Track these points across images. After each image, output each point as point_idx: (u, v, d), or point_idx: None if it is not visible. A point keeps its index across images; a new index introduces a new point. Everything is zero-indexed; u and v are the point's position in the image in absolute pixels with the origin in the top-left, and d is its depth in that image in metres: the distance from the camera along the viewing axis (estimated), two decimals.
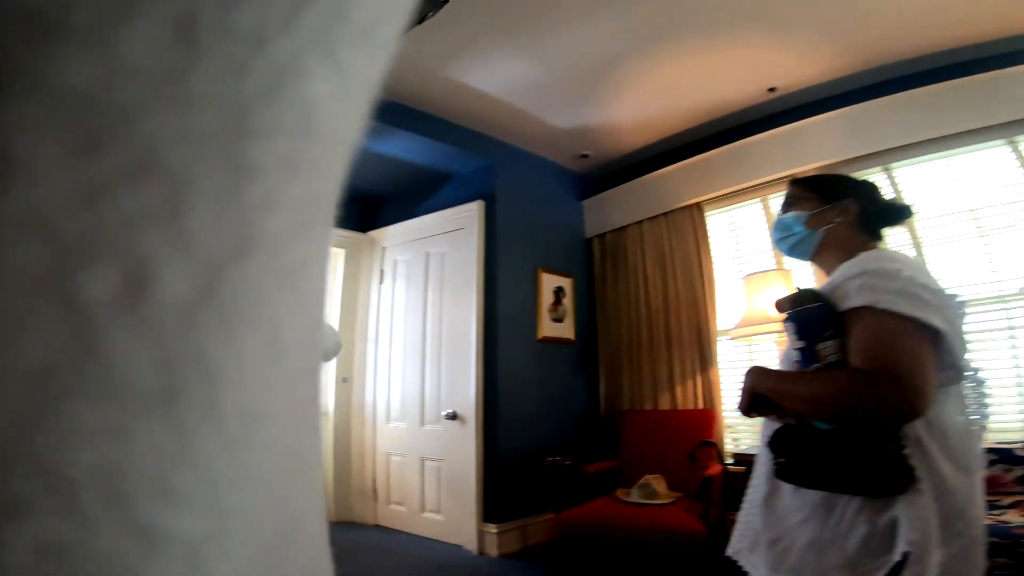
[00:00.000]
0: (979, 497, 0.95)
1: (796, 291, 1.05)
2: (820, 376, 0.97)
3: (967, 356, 0.97)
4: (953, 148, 2.83)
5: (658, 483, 2.72)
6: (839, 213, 1.14)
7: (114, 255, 0.12)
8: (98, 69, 0.11)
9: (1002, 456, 2.25)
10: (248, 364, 0.14)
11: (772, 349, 2.96)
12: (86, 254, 0.11)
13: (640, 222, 3.69)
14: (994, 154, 2.77)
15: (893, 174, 2.99)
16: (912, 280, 0.95)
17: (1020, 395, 2.48)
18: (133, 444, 0.12)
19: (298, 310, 0.16)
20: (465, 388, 3.26)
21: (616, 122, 3.44)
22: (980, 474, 0.97)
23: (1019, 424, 2.44)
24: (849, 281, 0.99)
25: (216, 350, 0.13)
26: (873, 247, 1.09)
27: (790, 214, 1.19)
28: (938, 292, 0.95)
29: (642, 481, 2.73)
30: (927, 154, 2.89)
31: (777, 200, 3.27)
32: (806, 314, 1.01)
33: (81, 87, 0.11)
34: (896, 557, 0.87)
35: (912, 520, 0.88)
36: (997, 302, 2.62)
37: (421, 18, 0.45)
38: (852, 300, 0.96)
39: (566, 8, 2.47)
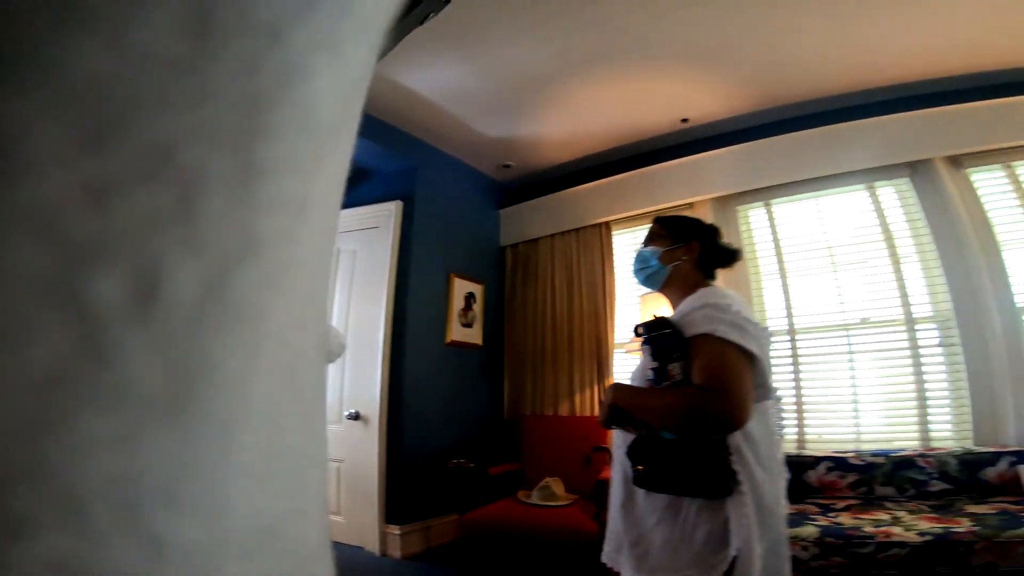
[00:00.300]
0: (783, 498, 1.16)
1: (652, 319, 1.20)
2: (670, 392, 1.12)
3: (772, 378, 1.19)
4: (822, 189, 3.24)
5: (557, 485, 2.91)
6: (686, 252, 1.31)
7: (125, 256, 0.11)
8: (111, 58, 0.11)
9: (837, 464, 2.66)
10: (253, 366, 0.14)
11: None
12: (96, 254, 0.11)
13: (552, 236, 3.85)
14: (854, 197, 3.21)
15: (772, 210, 3.37)
16: (739, 314, 1.14)
17: (855, 411, 2.95)
18: (142, 453, 0.11)
19: (301, 310, 0.15)
20: (369, 388, 3.24)
21: (540, 136, 3.56)
22: (783, 478, 1.18)
23: (853, 436, 2.91)
24: (695, 312, 1.16)
25: (222, 353, 0.13)
26: (709, 284, 1.28)
27: (648, 248, 1.35)
28: (755, 325, 1.15)
29: (542, 483, 2.91)
30: (801, 193, 3.29)
31: None
32: (660, 339, 1.16)
33: (93, 76, 0.11)
34: (733, 552, 1.04)
35: (740, 518, 1.05)
36: (841, 330, 3.08)
37: (423, 19, 0.46)
38: (697, 328, 1.13)
39: (510, 24, 2.54)
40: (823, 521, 2.25)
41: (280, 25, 0.13)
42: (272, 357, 0.14)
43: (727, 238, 3.49)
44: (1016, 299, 2.74)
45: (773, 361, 3.16)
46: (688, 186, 3.46)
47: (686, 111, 3.34)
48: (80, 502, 0.10)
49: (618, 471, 1.24)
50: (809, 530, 2.16)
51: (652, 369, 1.16)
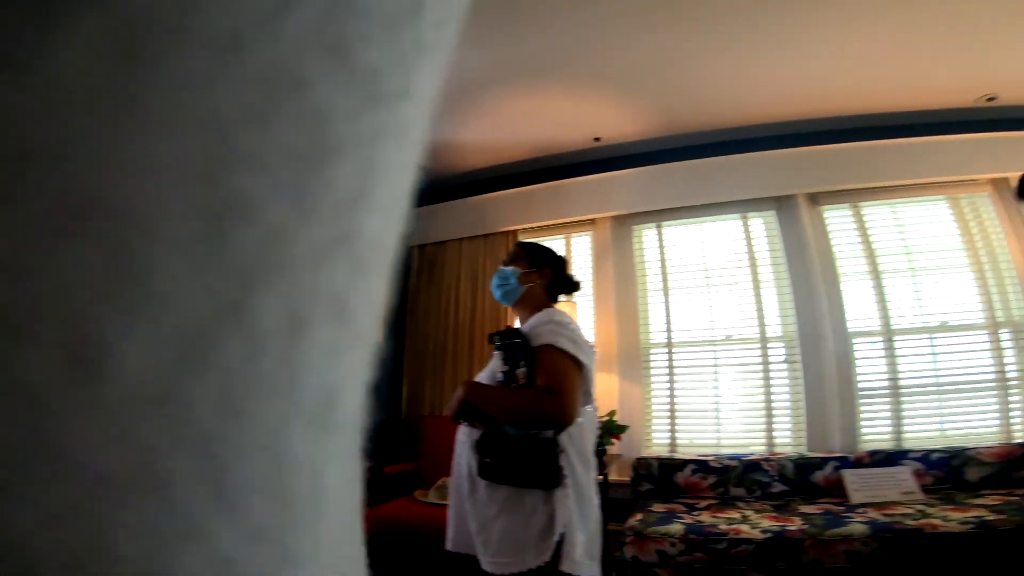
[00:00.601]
0: (595, 492, 1.39)
1: (505, 328, 1.41)
2: (517, 392, 1.31)
3: (593, 387, 1.44)
4: (705, 216, 3.58)
5: None
6: (540, 277, 1.53)
7: (50, 331, 0.09)
8: (19, 97, 0.09)
9: (700, 466, 2.98)
10: (265, 434, 0.12)
11: None
12: (13, 329, 0.09)
13: (461, 239, 3.89)
14: (730, 226, 3.58)
15: (663, 232, 3.66)
16: (576, 331, 1.38)
17: (717, 418, 3.34)
18: (110, 529, 0.10)
19: (328, 367, 0.13)
20: None
21: (459, 141, 3.57)
22: (594, 474, 1.41)
23: (715, 440, 3.28)
24: (542, 326, 1.37)
25: (214, 426, 0.11)
26: (552, 306, 1.51)
27: (509, 268, 1.55)
28: (586, 342, 1.40)
29: (439, 483, 2.99)
30: (688, 218, 3.61)
31: (579, 239, 3.77)
32: (512, 347, 1.36)
33: None
34: (556, 538, 1.24)
35: (564, 508, 1.27)
36: (709, 345, 3.46)
37: None
38: (543, 340, 1.34)
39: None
40: (688, 519, 2.51)
41: (239, 31, 0.10)
42: (303, 419, 0.13)
43: (623, 255, 3.75)
44: (848, 325, 3.23)
45: (654, 371, 3.48)
46: (593, 203, 3.66)
47: (600, 130, 3.53)
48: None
49: (462, 465, 1.39)
50: (676, 527, 2.42)
51: (503, 372, 1.34)
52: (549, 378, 1.28)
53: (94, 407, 0.10)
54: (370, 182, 0.13)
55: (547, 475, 1.26)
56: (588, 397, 1.40)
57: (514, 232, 3.79)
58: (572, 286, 1.60)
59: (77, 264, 0.10)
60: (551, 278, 1.55)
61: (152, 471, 0.10)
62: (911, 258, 3.31)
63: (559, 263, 1.59)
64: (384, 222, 0.14)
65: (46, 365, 0.09)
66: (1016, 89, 3.08)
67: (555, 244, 3.75)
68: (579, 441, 1.35)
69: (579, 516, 1.28)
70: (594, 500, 1.37)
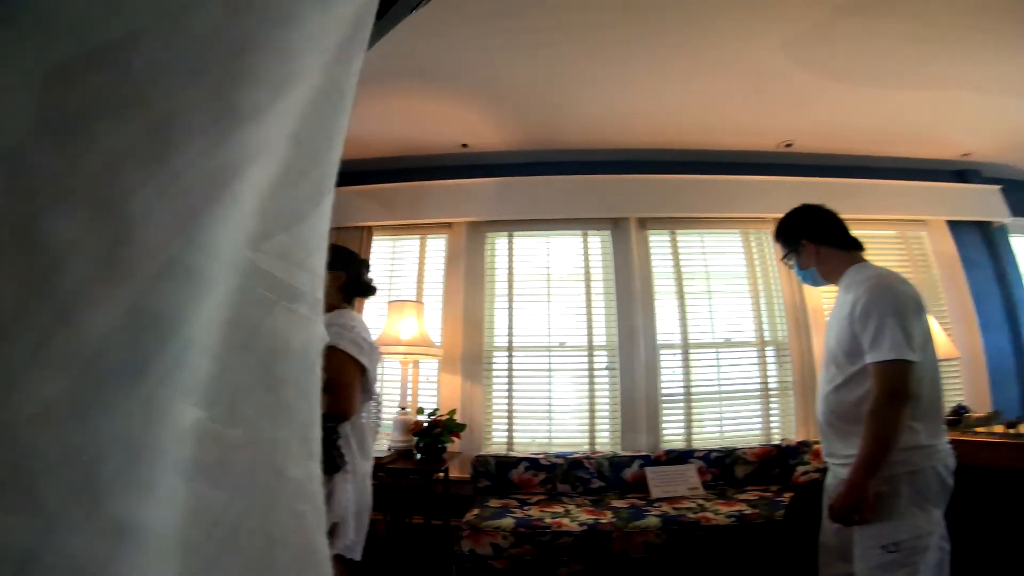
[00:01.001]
0: (370, 480, 1.55)
1: None
2: None
3: (377, 384, 1.60)
4: (553, 230, 3.84)
5: None
6: (333, 280, 1.62)
7: (89, 196, 0.10)
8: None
9: (532, 464, 3.19)
10: (227, 326, 0.12)
11: (397, 367, 3.43)
12: (57, 194, 0.09)
13: None
14: (573, 241, 3.88)
15: (514, 241, 3.85)
16: (359, 334, 1.52)
17: (550, 418, 3.61)
18: (104, 421, 0.10)
19: (287, 260, 0.13)
20: None
21: None
22: (371, 462, 1.58)
23: (547, 439, 3.55)
24: (329, 327, 1.49)
25: (195, 308, 0.11)
26: (345, 308, 1.63)
27: None
28: (370, 344, 1.54)
29: None
30: (537, 230, 3.84)
31: (434, 241, 3.79)
32: None
33: (59, 12, 0.10)
34: (334, 519, 1.38)
35: (343, 492, 1.41)
36: (544, 351, 3.73)
37: (413, 6, 0.44)
38: (327, 341, 1.48)
39: None
40: (519, 514, 2.68)
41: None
42: (253, 319, 0.12)
43: (474, 261, 3.86)
44: (657, 338, 3.71)
45: (495, 373, 3.63)
46: (451, 207, 3.72)
47: (467, 137, 3.60)
48: (32, 478, 0.09)
49: None
50: (507, 521, 2.57)
51: None
52: (328, 377, 1.37)
53: (113, 279, 0.10)
54: (311, 102, 0.16)
55: (327, 460, 1.34)
56: (369, 395, 1.52)
57: (369, 228, 3.70)
58: (368, 290, 1.67)
59: (119, 139, 0.10)
60: (345, 281, 1.61)
61: (144, 359, 0.10)
62: (709, 282, 3.87)
63: (356, 266, 1.65)
64: (314, 132, 0.17)
65: (76, 230, 0.09)
66: (807, 138, 3.73)
67: (410, 244, 3.77)
68: (360, 432, 1.47)
69: (354, 501, 1.40)
70: (368, 487, 1.49)
